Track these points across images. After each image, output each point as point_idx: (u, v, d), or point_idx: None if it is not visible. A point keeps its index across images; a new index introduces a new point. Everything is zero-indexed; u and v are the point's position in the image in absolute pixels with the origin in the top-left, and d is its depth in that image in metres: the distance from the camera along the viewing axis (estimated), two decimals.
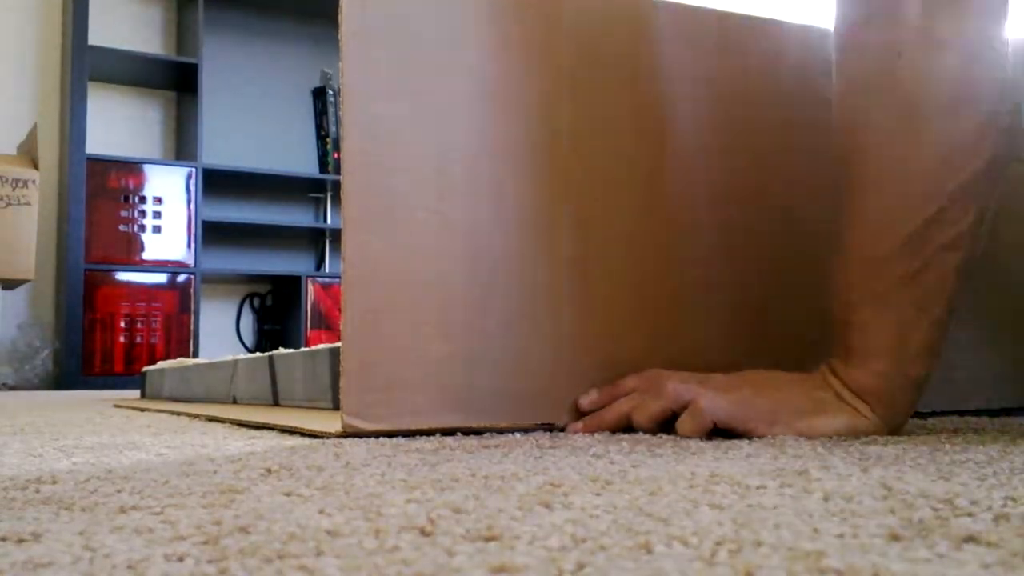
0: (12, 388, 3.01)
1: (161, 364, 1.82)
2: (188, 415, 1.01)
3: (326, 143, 3.55)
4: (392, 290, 0.67)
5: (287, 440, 0.65)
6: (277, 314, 3.56)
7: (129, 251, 3.11)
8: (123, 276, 3.10)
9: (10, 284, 2.72)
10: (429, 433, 0.66)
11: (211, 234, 3.33)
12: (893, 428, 0.64)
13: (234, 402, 1.33)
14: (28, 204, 2.56)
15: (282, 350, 1.20)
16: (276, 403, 1.20)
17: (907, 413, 0.64)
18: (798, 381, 0.65)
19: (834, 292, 0.65)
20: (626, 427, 0.68)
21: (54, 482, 0.43)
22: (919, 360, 0.62)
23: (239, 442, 0.64)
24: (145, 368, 1.95)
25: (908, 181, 0.61)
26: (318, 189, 3.57)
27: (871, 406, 0.62)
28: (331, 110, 3.53)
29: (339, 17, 0.67)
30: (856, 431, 0.62)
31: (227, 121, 3.47)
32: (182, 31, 3.46)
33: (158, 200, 3.15)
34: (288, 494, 0.38)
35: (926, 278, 0.61)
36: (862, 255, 0.63)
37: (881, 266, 0.62)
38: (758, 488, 0.38)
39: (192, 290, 3.18)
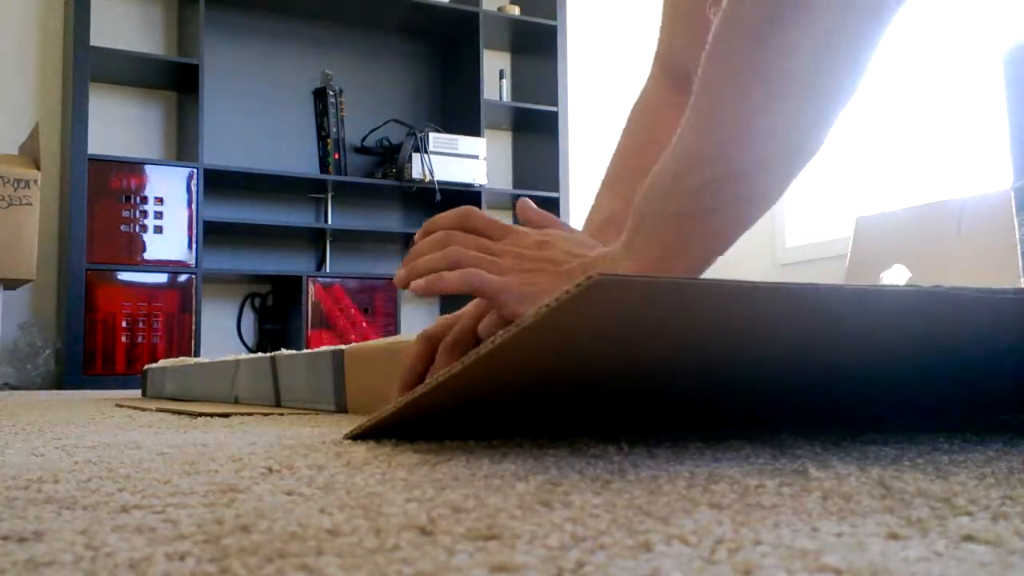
0: (14, 388, 3.01)
1: (163, 363, 1.82)
2: (190, 414, 1.01)
3: (327, 143, 3.54)
4: None
5: (288, 439, 0.65)
6: (278, 314, 3.56)
7: (130, 251, 3.11)
8: (124, 276, 3.10)
9: (12, 284, 2.72)
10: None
11: (212, 234, 3.34)
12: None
13: (236, 401, 1.34)
14: (29, 204, 2.57)
15: (284, 351, 1.21)
16: (278, 403, 1.20)
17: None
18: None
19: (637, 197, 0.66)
20: None
21: (56, 481, 0.43)
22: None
23: (240, 441, 0.64)
24: (146, 366, 1.95)
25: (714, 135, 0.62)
26: (319, 189, 3.57)
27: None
28: (331, 111, 3.53)
29: None
30: None
31: (228, 121, 3.48)
32: (183, 31, 3.46)
33: (159, 200, 3.16)
34: (289, 493, 0.38)
35: (711, 220, 0.63)
36: (664, 180, 0.65)
37: (675, 196, 0.64)
38: (757, 487, 0.38)
39: (193, 290, 3.18)
